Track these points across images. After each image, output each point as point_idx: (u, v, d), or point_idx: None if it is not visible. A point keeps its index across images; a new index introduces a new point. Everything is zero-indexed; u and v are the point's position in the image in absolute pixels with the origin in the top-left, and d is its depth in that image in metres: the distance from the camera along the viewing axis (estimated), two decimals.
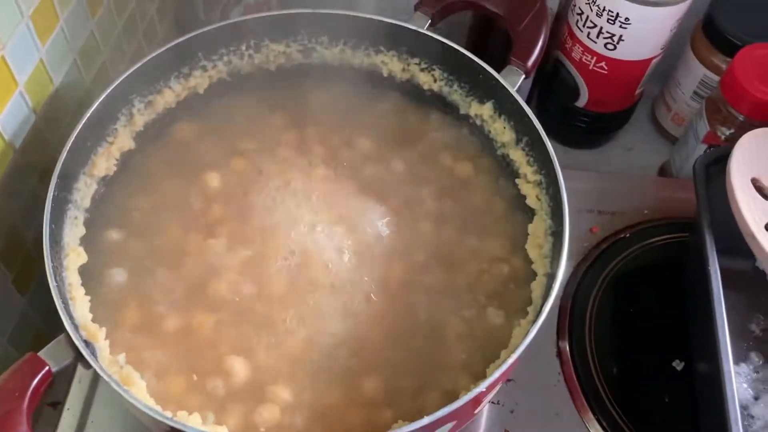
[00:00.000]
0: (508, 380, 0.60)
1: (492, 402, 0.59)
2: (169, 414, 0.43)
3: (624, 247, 0.67)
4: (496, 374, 0.43)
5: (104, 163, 0.55)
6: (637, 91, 0.77)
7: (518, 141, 0.57)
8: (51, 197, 0.48)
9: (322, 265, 0.53)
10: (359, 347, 0.51)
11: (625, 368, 0.61)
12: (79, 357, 0.43)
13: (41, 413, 0.65)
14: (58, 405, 0.60)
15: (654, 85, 0.82)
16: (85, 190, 0.54)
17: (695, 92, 0.77)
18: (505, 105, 0.58)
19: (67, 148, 0.50)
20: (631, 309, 0.64)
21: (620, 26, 0.68)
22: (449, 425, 0.45)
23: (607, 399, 0.59)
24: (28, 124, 0.56)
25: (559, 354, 0.62)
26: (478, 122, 0.60)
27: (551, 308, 0.63)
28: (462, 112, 0.61)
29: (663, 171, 0.81)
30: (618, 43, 0.69)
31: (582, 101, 0.77)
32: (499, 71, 0.58)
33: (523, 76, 0.58)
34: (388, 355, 0.51)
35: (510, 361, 0.44)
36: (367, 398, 0.49)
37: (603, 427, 0.58)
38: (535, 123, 0.54)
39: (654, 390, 0.60)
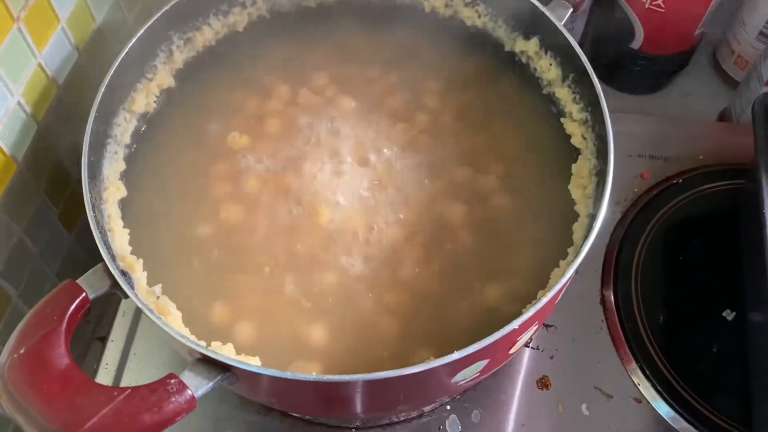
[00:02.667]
0: (549, 326, 0.59)
1: (531, 347, 0.58)
2: (203, 343, 0.44)
3: (676, 193, 0.64)
4: (530, 312, 0.42)
5: (143, 99, 0.55)
6: (697, 32, 0.73)
7: (564, 78, 0.55)
8: (90, 130, 0.48)
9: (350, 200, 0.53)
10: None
11: (672, 317, 0.59)
12: (115, 285, 0.44)
13: (90, 347, 0.67)
14: (105, 339, 0.62)
15: (716, 27, 0.78)
16: (125, 126, 0.54)
17: (761, 32, 0.73)
18: (551, 40, 0.55)
19: (106, 82, 0.50)
20: (680, 257, 0.61)
21: None
22: (482, 363, 0.44)
23: (652, 348, 0.57)
24: (70, 61, 0.57)
25: (603, 302, 0.60)
26: (523, 59, 0.58)
27: (596, 256, 0.63)
28: (507, 49, 0.59)
29: (723, 117, 0.77)
30: None
31: (637, 43, 0.74)
32: (546, 5, 0.55)
33: (571, 9, 0.55)
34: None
35: (545, 300, 0.43)
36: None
37: (646, 376, 0.56)
38: (581, 57, 0.52)
39: (702, 340, 0.58)
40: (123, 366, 0.57)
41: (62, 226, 0.61)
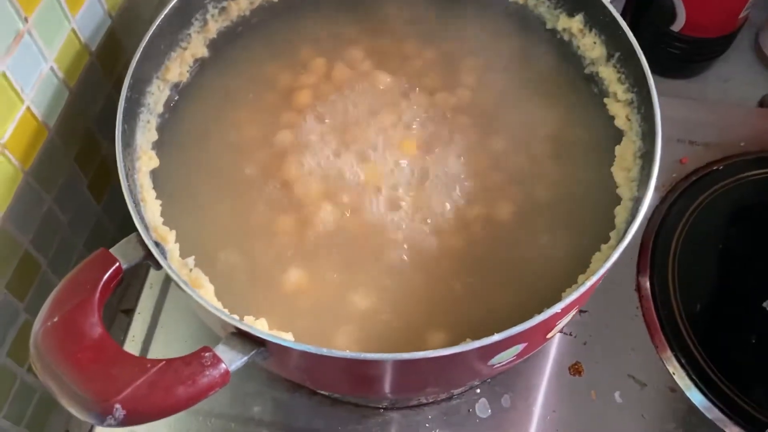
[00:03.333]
0: (582, 311, 0.58)
1: (564, 333, 0.57)
2: (236, 317, 0.43)
3: (716, 180, 0.63)
4: (573, 296, 0.41)
5: (177, 68, 0.54)
6: (741, 15, 0.71)
7: (609, 57, 0.53)
8: (124, 97, 0.47)
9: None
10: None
11: (710, 306, 0.57)
12: (148, 256, 0.43)
13: (115, 319, 0.67)
14: (130, 312, 0.62)
15: (760, 10, 0.75)
16: (158, 95, 0.53)
17: None
18: (596, 18, 0.54)
19: (141, 48, 0.49)
20: (719, 245, 0.60)
21: None
22: (520, 347, 0.43)
23: (688, 336, 0.56)
24: (103, 27, 0.56)
25: (638, 288, 0.59)
26: (565, 37, 0.56)
27: (632, 242, 0.61)
28: (548, 26, 0.57)
29: (763, 104, 0.75)
30: None
31: (678, 24, 0.72)
32: None
33: None
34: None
35: (588, 284, 0.42)
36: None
37: (681, 365, 0.55)
38: (629, 37, 0.50)
39: (740, 330, 0.56)
40: (150, 338, 0.57)
41: (91, 196, 0.60)
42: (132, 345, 0.57)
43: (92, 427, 0.62)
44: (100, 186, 0.61)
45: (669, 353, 0.56)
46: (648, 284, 0.59)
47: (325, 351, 0.40)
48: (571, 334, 0.57)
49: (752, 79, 0.78)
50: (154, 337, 0.57)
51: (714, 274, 0.59)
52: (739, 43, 0.78)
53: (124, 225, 0.64)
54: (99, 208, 0.62)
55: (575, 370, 0.56)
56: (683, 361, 0.55)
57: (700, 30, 0.72)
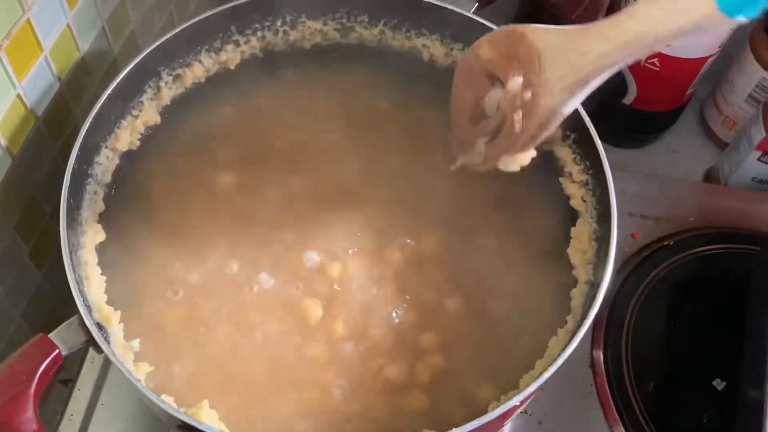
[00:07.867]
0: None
1: (520, 411, 0.56)
2: (182, 409, 0.41)
3: (667, 255, 0.64)
4: (532, 388, 0.41)
5: (128, 137, 0.53)
6: (689, 91, 0.73)
7: (565, 137, 0.54)
8: (71, 170, 0.46)
9: None
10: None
11: (662, 383, 0.58)
12: (90, 341, 0.41)
13: (51, 390, 0.63)
14: (69, 383, 0.59)
15: (705, 86, 0.78)
16: (106, 164, 0.51)
17: (751, 95, 0.73)
18: None
19: (90, 118, 0.48)
20: (672, 321, 0.60)
21: None
22: None
23: (641, 414, 0.56)
24: (51, 91, 0.54)
25: (593, 365, 0.59)
26: None
27: None
28: None
29: (709, 177, 0.77)
30: None
31: (629, 98, 0.73)
32: None
33: None
34: None
35: (547, 375, 0.41)
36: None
37: None
38: (585, 119, 0.51)
39: (691, 408, 0.57)
40: (89, 417, 0.54)
41: (31, 264, 0.57)
42: (69, 425, 0.54)
43: None
44: (42, 253, 0.58)
45: (622, 430, 0.56)
46: (602, 359, 0.59)
47: None
48: (526, 412, 0.56)
49: (698, 151, 0.81)
50: (94, 415, 0.54)
51: (666, 351, 0.59)
52: (686, 115, 0.80)
53: (66, 289, 0.61)
54: (40, 275, 0.59)
55: None
56: None
57: (649, 104, 0.74)
